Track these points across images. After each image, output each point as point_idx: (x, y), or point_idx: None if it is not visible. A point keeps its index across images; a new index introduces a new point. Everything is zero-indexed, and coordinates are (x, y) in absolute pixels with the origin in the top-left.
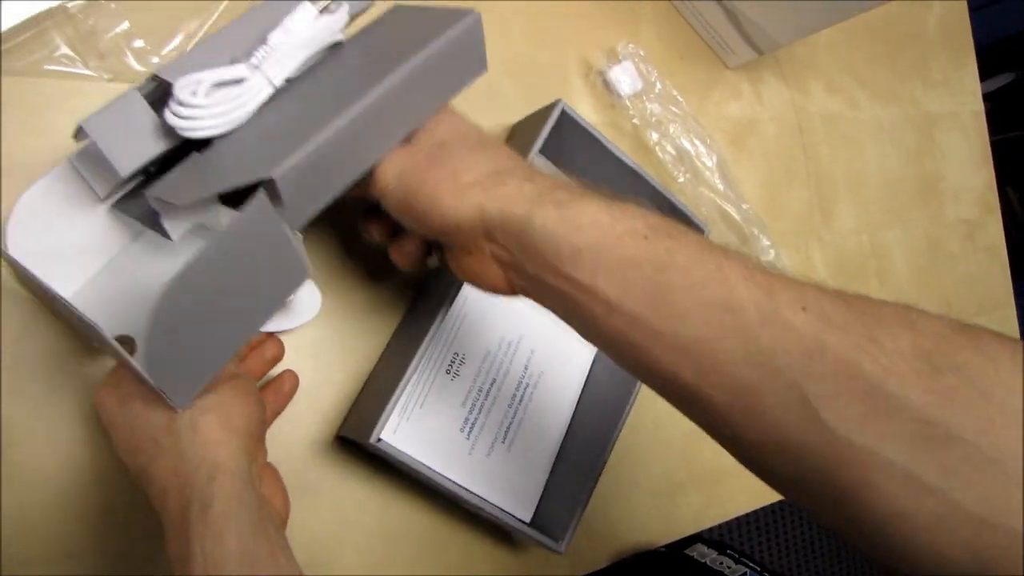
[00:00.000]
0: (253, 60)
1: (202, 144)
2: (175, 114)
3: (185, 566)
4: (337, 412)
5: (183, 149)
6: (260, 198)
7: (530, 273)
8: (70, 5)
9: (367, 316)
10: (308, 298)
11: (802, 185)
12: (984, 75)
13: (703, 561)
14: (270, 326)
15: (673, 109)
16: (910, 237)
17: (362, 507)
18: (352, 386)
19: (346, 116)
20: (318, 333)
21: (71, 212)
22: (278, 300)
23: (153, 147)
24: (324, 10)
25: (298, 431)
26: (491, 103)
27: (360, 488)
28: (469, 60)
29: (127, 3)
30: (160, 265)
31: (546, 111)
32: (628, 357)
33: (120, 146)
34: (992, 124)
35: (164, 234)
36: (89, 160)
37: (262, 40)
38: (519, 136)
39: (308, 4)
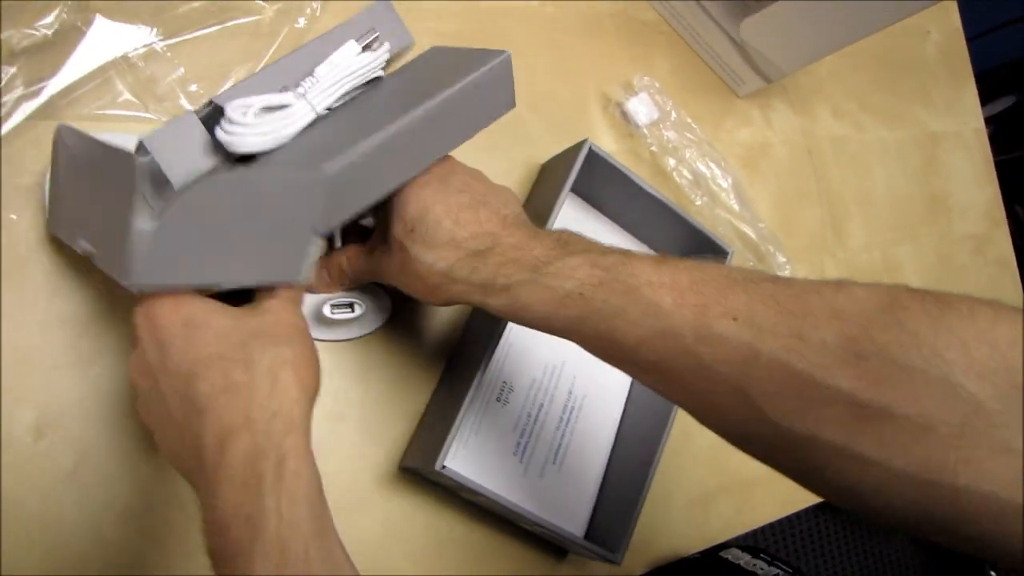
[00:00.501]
0: (300, 89)
1: (248, 160)
2: (225, 131)
3: (253, 520)
4: (394, 444)
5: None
6: (309, 176)
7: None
8: (131, 55)
9: (416, 352)
10: (378, 307)
11: (814, 204)
12: (985, 99)
13: (738, 563)
14: (345, 332)
15: (688, 136)
16: (921, 252)
17: (424, 530)
18: (407, 420)
19: (383, 135)
20: (371, 371)
21: None
22: (264, 276)
23: (204, 162)
24: (367, 47)
25: (360, 464)
26: (517, 137)
27: (422, 513)
28: (499, 96)
29: (182, 50)
30: None
31: (574, 150)
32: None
33: (175, 160)
34: (996, 145)
35: None
36: (144, 175)
37: (309, 72)
38: (549, 176)
39: (352, 42)
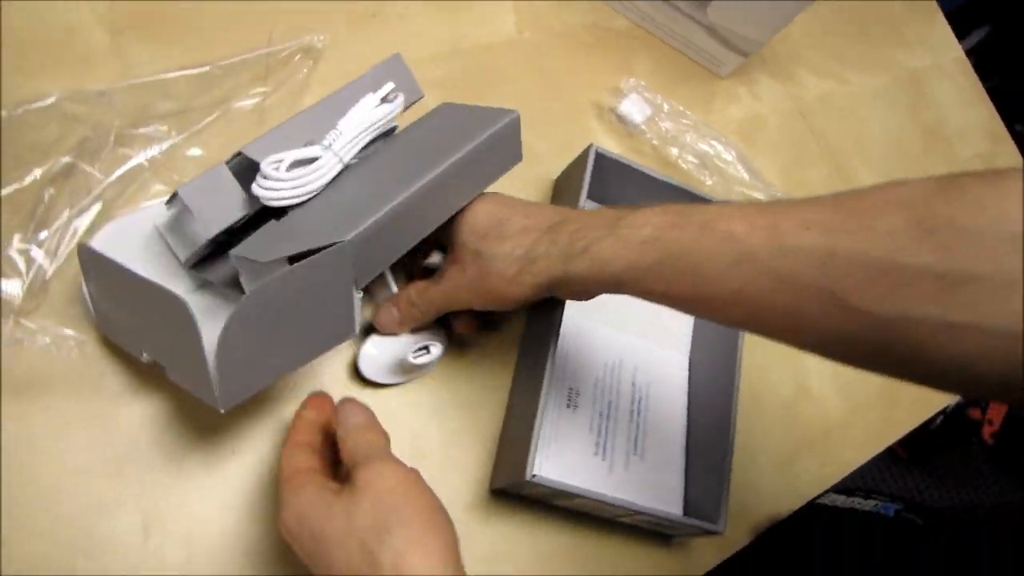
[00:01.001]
0: (325, 142)
1: (279, 212)
2: (261, 186)
3: None
4: (480, 469)
5: (260, 217)
6: (337, 248)
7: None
8: (155, 155)
9: (480, 378)
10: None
11: (818, 163)
12: (961, 34)
13: (834, 505)
14: (419, 373)
15: (684, 122)
16: None
17: (530, 547)
18: (486, 445)
19: (404, 196)
20: (442, 405)
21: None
22: (326, 345)
23: (235, 212)
24: (384, 100)
25: (452, 495)
26: (526, 159)
27: (523, 531)
28: (508, 152)
29: (198, 137)
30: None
31: (582, 158)
32: (702, 315)
33: (208, 210)
34: (982, 74)
35: (243, 291)
36: (175, 227)
37: (332, 125)
38: (564, 188)
39: (371, 95)
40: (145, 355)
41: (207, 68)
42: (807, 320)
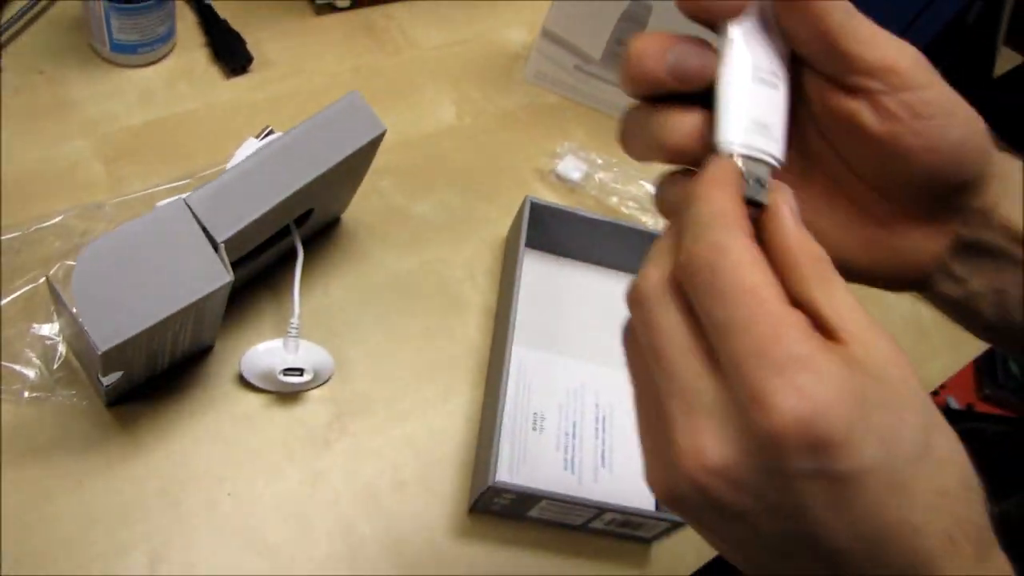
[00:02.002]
0: None
1: None
2: None
3: None
4: (457, 493)
5: None
6: (172, 203)
7: (981, 242)
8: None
9: (452, 411)
10: (324, 365)
11: None
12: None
13: None
14: (288, 386)
15: (616, 171)
16: None
17: (511, 564)
18: (463, 471)
19: (251, 161)
20: (417, 436)
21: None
22: (196, 292)
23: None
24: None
25: (431, 521)
26: (480, 225)
27: (503, 549)
28: (361, 122)
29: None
30: None
31: (520, 211)
32: None
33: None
34: None
35: None
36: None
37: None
38: (510, 243)
39: (252, 139)
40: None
41: (188, 180)
42: None
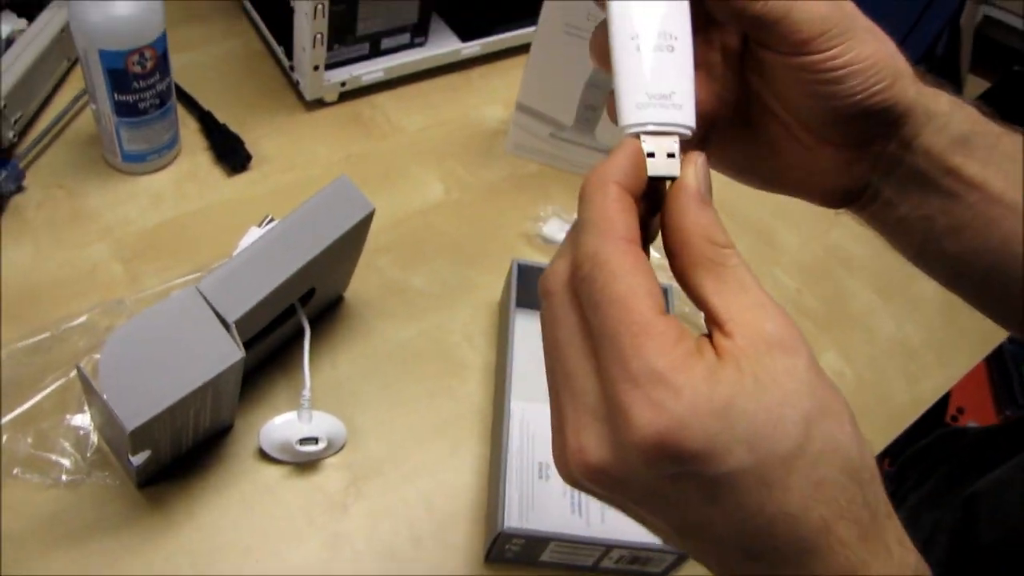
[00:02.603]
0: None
1: None
2: None
3: None
4: (473, 544)
5: None
6: (186, 292)
7: (903, 168)
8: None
9: (464, 464)
10: (337, 433)
11: (737, 235)
12: None
13: None
14: (304, 455)
15: None
16: (855, 232)
17: None
18: (478, 523)
19: (257, 246)
20: (433, 494)
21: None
22: (211, 370)
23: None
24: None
25: (446, 572)
26: (474, 291)
27: None
28: (348, 205)
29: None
30: None
31: (509, 275)
32: (985, 255)
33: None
34: None
35: None
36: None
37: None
38: (503, 305)
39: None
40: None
41: (199, 273)
42: None
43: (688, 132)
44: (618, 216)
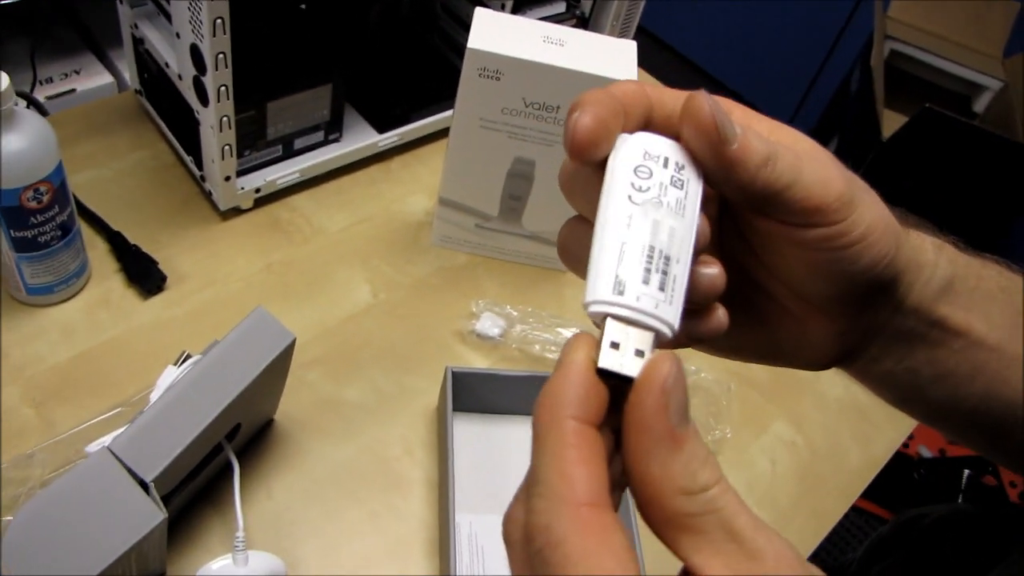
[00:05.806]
0: None
1: None
2: None
3: None
4: None
5: None
6: (96, 455)
7: (891, 328)
8: None
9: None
10: (276, 569)
11: None
12: None
13: None
14: None
15: (532, 321)
16: None
17: None
18: None
19: (167, 397)
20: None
21: None
22: (132, 536)
23: None
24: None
25: None
26: (411, 399)
27: None
28: (270, 336)
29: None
30: None
31: (444, 382)
32: (969, 399)
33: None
34: None
35: None
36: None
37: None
38: (440, 412)
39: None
40: None
41: (119, 410)
42: None
43: (669, 333)
44: (576, 470)
